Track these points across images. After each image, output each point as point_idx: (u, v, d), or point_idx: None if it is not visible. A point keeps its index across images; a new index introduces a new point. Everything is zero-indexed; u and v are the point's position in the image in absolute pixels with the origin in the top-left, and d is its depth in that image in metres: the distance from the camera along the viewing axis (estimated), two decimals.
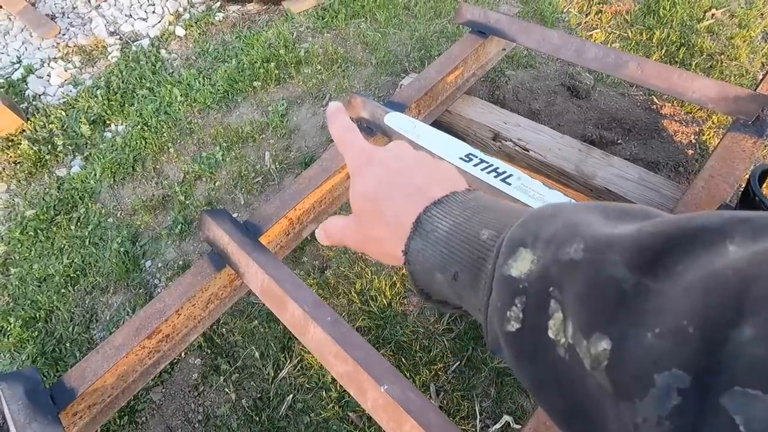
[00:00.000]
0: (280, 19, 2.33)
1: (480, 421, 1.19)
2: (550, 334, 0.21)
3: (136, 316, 1.13)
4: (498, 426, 1.17)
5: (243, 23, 2.36)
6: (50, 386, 0.91)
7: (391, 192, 0.31)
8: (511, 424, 1.16)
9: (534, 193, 1.12)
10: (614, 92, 1.82)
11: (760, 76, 1.42)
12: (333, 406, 1.26)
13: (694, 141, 1.65)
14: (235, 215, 1.68)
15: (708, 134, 1.65)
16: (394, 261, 0.32)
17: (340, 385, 1.06)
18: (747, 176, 0.90)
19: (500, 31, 1.55)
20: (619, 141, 1.67)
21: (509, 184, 1.18)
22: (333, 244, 0.39)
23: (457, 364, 1.28)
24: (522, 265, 0.23)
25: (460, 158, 1.30)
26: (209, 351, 1.38)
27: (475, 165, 1.27)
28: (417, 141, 1.35)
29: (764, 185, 1.25)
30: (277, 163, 1.79)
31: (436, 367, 1.28)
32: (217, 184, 1.76)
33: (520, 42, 1.54)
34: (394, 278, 1.45)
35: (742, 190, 0.86)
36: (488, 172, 1.23)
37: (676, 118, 1.71)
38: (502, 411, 1.20)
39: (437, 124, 1.70)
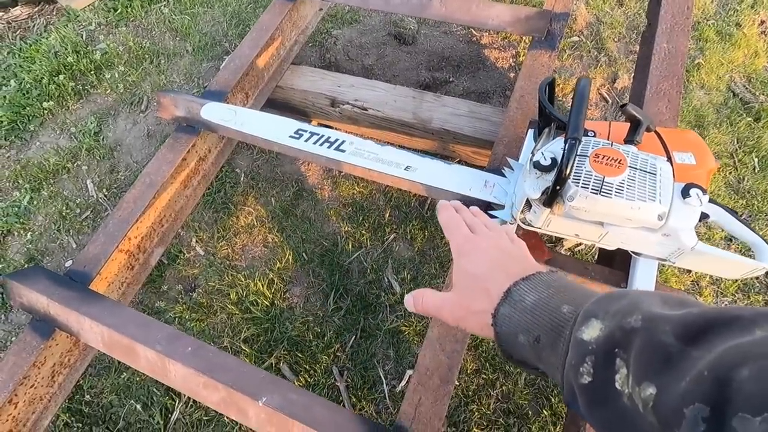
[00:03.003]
0: (61, 21, 1.95)
1: (387, 384, 1.21)
2: (617, 385, 0.27)
3: None
4: (404, 383, 1.20)
5: (13, 33, 1.93)
6: None
7: (495, 274, 0.39)
8: None
9: (368, 154, 1.09)
10: (437, 32, 1.87)
11: None
12: (240, 428, 1.18)
13: (513, 64, 1.77)
14: (69, 263, 1.43)
15: (523, 55, 1.78)
16: (487, 331, 0.38)
17: None
18: None
19: None
20: (451, 79, 1.73)
21: (343, 151, 1.14)
22: (425, 314, 0.44)
23: (353, 338, 1.27)
24: (592, 331, 0.30)
25: (290, 136, 1.22)
26: (80, 425, 1.19)
27: (306, 140, 1.21)
28: (241, 129, 1.23)
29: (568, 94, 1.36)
30: (104, 190, 1.54)
31: (333, 349, 1.26)
32: (34, 235, 1.46)
33: None
34: (270, 275, 1.37)
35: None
36: (321, 144, 1.17)
37: (494, 45, 1.82)
38: (404, 367, 1.23)
39: (272, 103, 1.59)
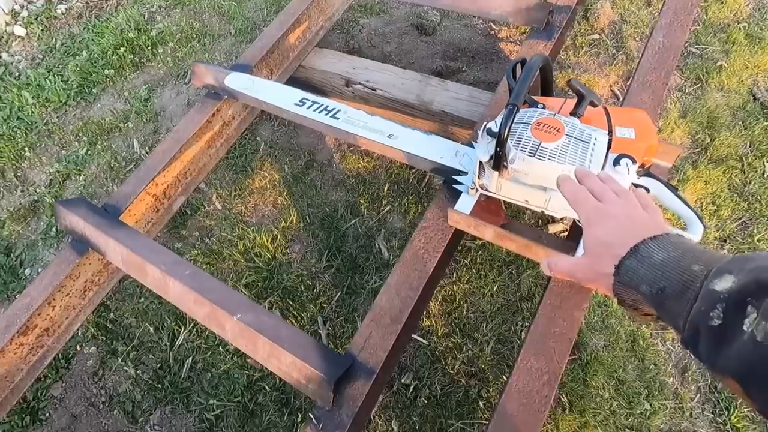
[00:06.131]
0: (130, 2, 2.24)
1: None
2: (745, 327, 0.32)
3: (2, 314, 1.13)
4: None
5: (90, 12, 2.24)
6: None
7: (626, 240, 0.41)
8: None
9: (358, 122, 1.22)
10: (459, 24, 1.95)
11: None
12: (231, 358, 1.34)
13: None
14: None
15: None
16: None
17: None
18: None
19: None
20: (464, 69, 1.81)
21: (338, 118, 1.28)
22: (559, 276, 0.49)
23: (339, 293, 1.40)
24: (725, 284, 0.34)
25: (295, 104, 1.37)
26: (104, 338, 1.40)
27: (308, 108, 1.36)
28: (256, 96, 1.40)
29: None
30: (147, 148, 1.77)
31: (320, 300, 1.40)
32: (87, 180, 1.72)
33: None
34: (275, 232, 1.53)
35: None
36: (320, 112, 1.32)
37: (511, 39, 1.88)
38: None
39: (295, 81, 1.75)
